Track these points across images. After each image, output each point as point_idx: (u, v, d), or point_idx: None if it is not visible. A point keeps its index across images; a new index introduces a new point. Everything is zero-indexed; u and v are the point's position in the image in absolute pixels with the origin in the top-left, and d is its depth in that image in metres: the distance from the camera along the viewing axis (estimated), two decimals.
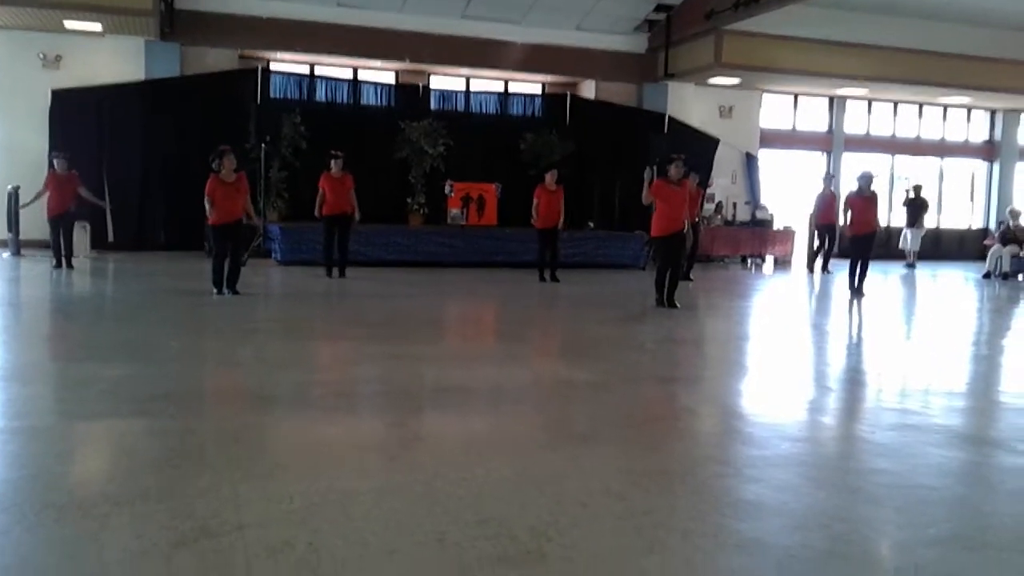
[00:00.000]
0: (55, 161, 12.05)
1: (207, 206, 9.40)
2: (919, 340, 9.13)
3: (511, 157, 15.98)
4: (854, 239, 12.26)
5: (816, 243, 16.11)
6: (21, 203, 12.79)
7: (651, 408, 5.64)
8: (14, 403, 5.09)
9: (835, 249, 15.65)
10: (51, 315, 9.16)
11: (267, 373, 6.13)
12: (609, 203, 16.72)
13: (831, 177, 16.71)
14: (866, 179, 12.46)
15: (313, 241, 13.05)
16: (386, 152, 14.88)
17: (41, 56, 14.61)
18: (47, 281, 11.00)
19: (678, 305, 9.75)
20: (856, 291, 11.98)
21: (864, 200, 12.27)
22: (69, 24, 13.97)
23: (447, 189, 14.83)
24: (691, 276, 12.90)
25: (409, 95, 16.73)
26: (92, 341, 7.34)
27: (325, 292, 10.66)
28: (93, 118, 14.38)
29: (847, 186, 16.21)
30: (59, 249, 11.92)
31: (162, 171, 14.83)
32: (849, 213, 12.31)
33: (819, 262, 15.84)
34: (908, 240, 18.10)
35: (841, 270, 13.45)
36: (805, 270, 16.49)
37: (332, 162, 11.60)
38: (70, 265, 11.90)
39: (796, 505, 3.68)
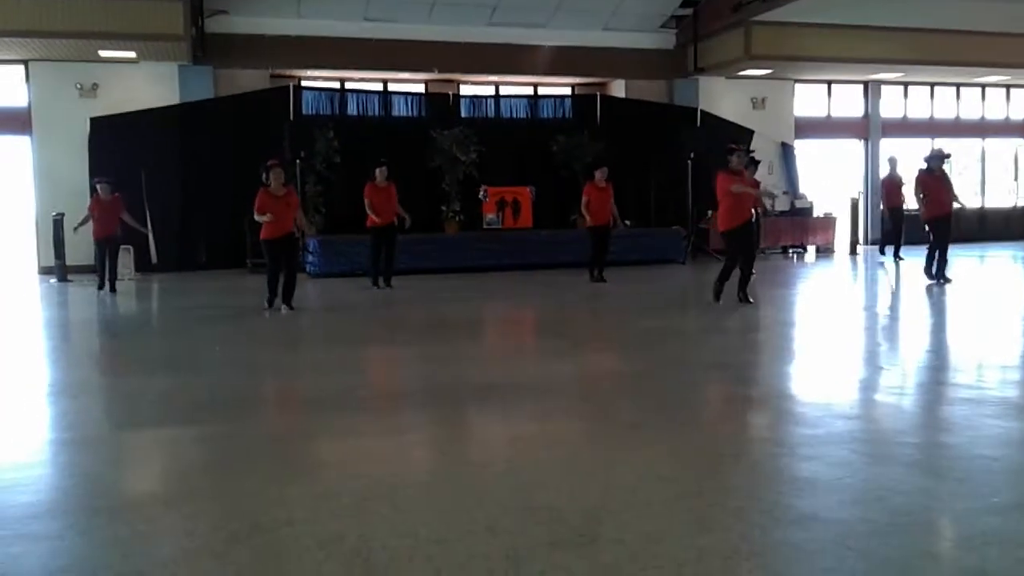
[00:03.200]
0: (98, 186, 12.26)
1: (259, 220, 9.45)
2: (970, 319, 8.92)
3: (543, 160, 15.93)
4: (930, 222, 11.39)
5: (886, 227, 15.72)
6: (69, 228, 13.02)
7: (700, 393, 5.57)
8: (65, 416, 5.17)
9: (903, 234, 15.25)
10: (98, 334, 9.30)
11: (312, 379, 6.16)
12: (645, 200, 16.61)
13: (895, 160, 16.25)
14: (936, 158, 11.59)
15: (351, 253, 13.12)
16: (419, 161, 14.92)
17: (78, 86, 14.89)
18: (93, 303, 11.18)
19: (751, 300, 9.35)
20: (937, 277, 11.21)
21: (935, 180, 11.45)
22: (104, 53, 14.22)
23: (482, 195, 14.84)
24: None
25: (439, 104, 16.77)
26: (139, 356, 7.43)
27: (371, 302, 10.70)
28: (131, 143, 14.60)
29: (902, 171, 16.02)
30: (104, 272, 12.13)
31: (200, 192, 15.02)
32: (922, 195, 11.46)
33: (890, 249, 15.39)
34: None
35: (916, 255, 12.72)
36: (849, 255, 16.22)
37: (376, 171, 11.61)
38: (114, 288, 12.09)
39: (852, 480, 3.60)
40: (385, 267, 11.78)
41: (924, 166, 11.64)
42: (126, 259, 13.28)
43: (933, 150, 12.11)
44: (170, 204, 14.95)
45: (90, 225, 12.28)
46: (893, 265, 14.60)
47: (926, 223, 11.51)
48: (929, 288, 10.87)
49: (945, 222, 11.40)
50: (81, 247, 13.14)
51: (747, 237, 9.54)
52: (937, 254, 11.32)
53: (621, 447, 4.21)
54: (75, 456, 4.27)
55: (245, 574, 2.74)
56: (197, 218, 15.05)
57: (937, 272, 11.28)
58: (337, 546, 2.94)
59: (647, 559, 2.78)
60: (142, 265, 14.23)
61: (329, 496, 3.49)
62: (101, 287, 12.11)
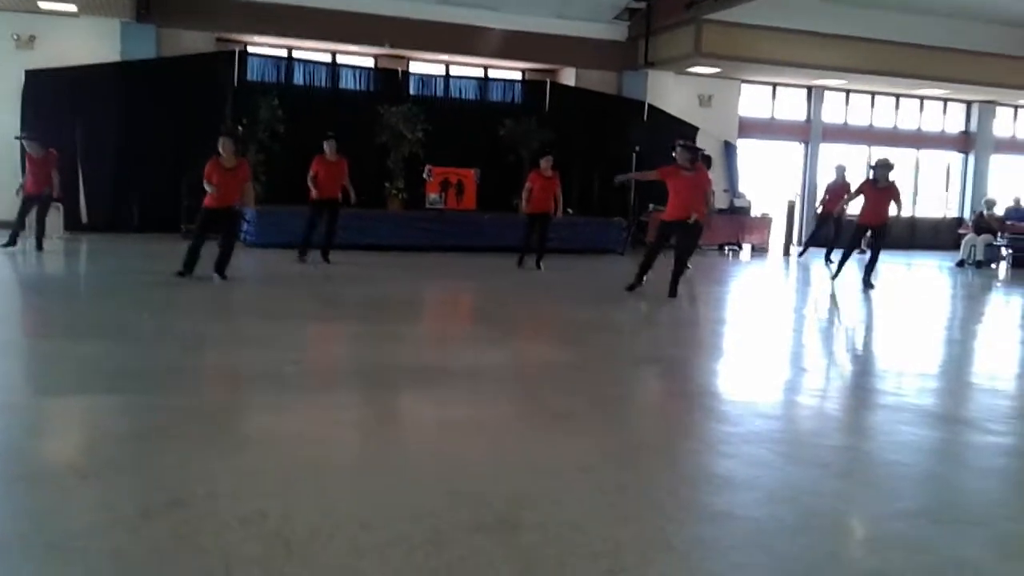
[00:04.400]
0: (26, 143, 11.85)
1: (206, 188, 9.28)
2: (893, 325, 9.20)
3: (490, 143, 15.91)
4: (862, 229, 11.98)
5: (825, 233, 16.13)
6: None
7: (628, 387, 5.66)
8: None
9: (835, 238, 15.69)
10: (20, 295, 9.04)
11: (242, 352, 6.09)
12: (588, 190, 16.71)
13: (843, 168, 16.70)
14: (882, 167, 11.85)
15: (289, 224, 12.93)
16: (365, 136, 14.76)
17: (15, 37, 14.36)
18: (15, 262, 10.86)
19: (677, 295, 9.51)
20: (864, 283, 11.57)
21: (877, 190, 11.78)
22: (43, 4, 13.73)
23: (426, 174, 14.75)
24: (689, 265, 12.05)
25: (388, 80, 16.61)
26: (62, 320, 7.26)
27: (303, 275, 10.59)
28: (67, 99, 14.15)
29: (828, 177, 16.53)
30: (18, 228, 11.68)
31: (137, 153, 14.64)
32: (862, 201, 11.88)
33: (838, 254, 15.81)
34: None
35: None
36: (782, 256, 16.59)
37: (325, 144, 11.44)
38: (40, 247, 11.71)
39: (767, 480, 3.70)
40: (325, 241, 11.67)
41: (870, 174, 12.02)
42: (54, 217, 12.88)
43: (879, 160, 12.39)
44: (104, 163, 14.54)
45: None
46: (826, 269, 14.96)
47: (858, 228, 11.90)
48: (861, 293, 11.20)
49: (877, 231, 11.83)
50: (5, 201, 12.72)
51: (678, 233, 9.61)
52: (868, 260, 11.76)
53: (547, 436, 4.27)
54: None
55: (160, 549, 2.72)
56: (132, 179, 14.68)
57: (864, 278, 11.64)
58: (258, 524, 2.93)
59: (565, 547, 2.83)
60: (71, 224, 13.83)
61: (253, 473, 3.47)
62: (10, 244, 11.63)
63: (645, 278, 9.67)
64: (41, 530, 2.84)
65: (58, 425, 4.31)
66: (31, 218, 11.80)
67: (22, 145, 12.15)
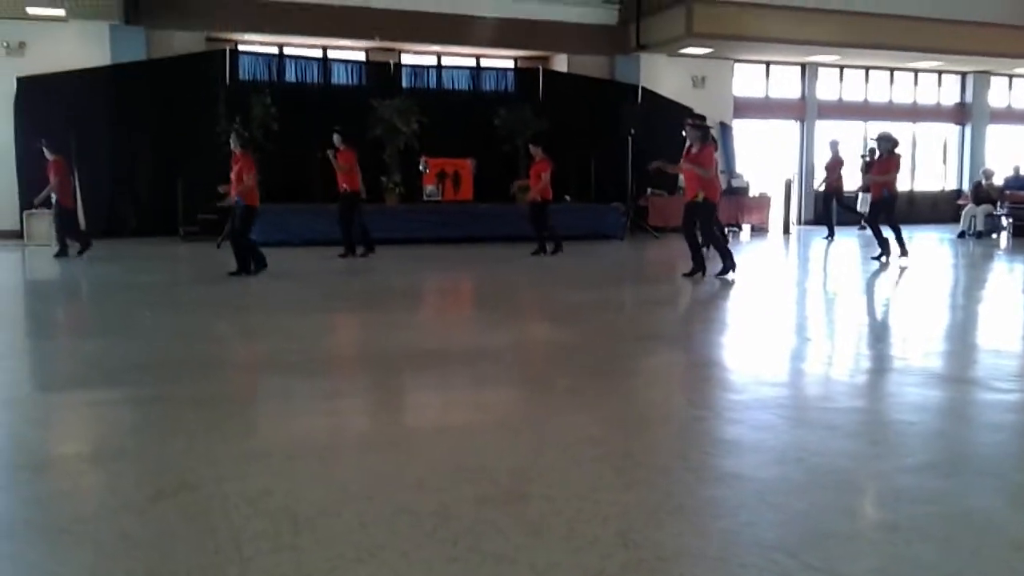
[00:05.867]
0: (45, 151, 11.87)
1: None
2: (898, 295, 9.18)
3: (485, 132, 15.87)
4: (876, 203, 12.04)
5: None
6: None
7: (631, 362, 5.64)
8: None
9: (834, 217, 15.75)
10: (23, 299, 9.03)
11: (246, 343, 6.09)
12: (585, 176, 16.66)
13: (837, 143, 16.71)
14: (885, 140, 11.99)
15: (286, 223, 12.98)
16: (359, 131, 14.73)
17: (5, 44, 14.33)
18: (17, 267, 10.86)
19: (686, 276, 9.53)
20: (880, 255, 11.71)
21: (878, 163, 12.05)
22: (32, 10, 13.68)
23: (422, 166, 14.73)
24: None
25: (380, 73, 16.57)
26: (66, 320, 7.26)
27: (305, 271, 10.57)
28: (60, 105, 14.11)
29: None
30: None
31: (131, 156, 14.63)
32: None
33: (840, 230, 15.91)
34: (867, 203, 18.03)
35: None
36: (782, 235, 16.56)
37: (335, 137, 11.69)
38: (65, 253, 11.69)
39: (775, 442, 3.70)
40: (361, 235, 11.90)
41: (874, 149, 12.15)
42: (50, 224, 12.88)
43: (881, 133, 12.41)
44: (100, 168, 14.53)
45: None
46: (828, 245, 14.94)
47: (884, 202, 11.97)
48: (877, 264, 11.31)
49: (876, 204, 11.92)
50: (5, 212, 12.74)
51: (687, 213, 9.61)
52: (880, 232, 11.79)
53: (552, 411, 4.26)
54: None
55: (170, 530, 2.71)
56: (128, 183, 14.68)
57: (882, 250, 11.69)
58: (265, 502, 2.93)
59: (573, 514, 2.82)
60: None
61: (258, 455, 3.46)
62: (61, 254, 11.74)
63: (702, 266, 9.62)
64: (50, 515, 2.83)
65: (63, 417, 4.30)
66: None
67: (42, 153, 12.09)
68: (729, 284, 9.19)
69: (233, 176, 9.54)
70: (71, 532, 2.70)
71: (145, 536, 2.66)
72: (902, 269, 10.91)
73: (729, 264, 9.54)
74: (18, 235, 13.24)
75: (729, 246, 10.14)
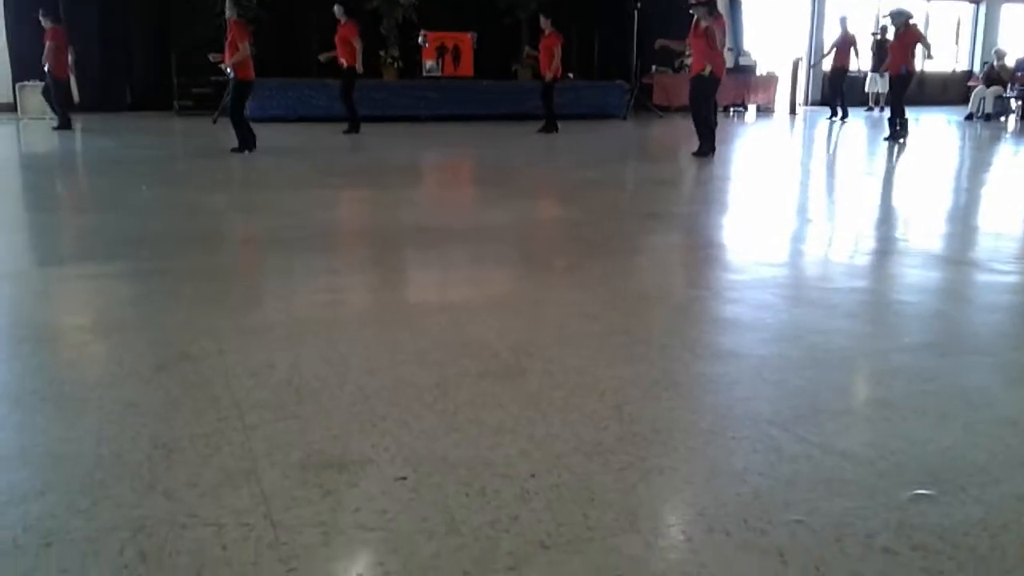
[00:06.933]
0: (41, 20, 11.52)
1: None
2: (900, 177, 9.10)
3: (486, 6, 15.41)
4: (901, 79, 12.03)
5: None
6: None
7: (632, 241, 5.63)
8: None
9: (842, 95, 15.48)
10: (18, 172, 8.94)
11: (245, 219, 6.06)
12: (588, 51, 16.26)
13: (846, 19, 16.20)
14: (898, 15, 11.96)
15: (283, 97, 12.73)
16: (355, 2, 14.30)
17: None
18: (11, 140, 10.72)
19: (695, 155, 9.48)
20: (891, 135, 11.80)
21: (898, 38, 11.98)
22: None
23: (421, 40, 14.36)
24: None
25: None
26: (62, 194, 7.20)
27: (302, 147, 10.44)
28: None
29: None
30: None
31: (124, 28, 14.25)
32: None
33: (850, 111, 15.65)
34: (877, 83, 17.73)
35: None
36: (789, 115, 16.30)
37: (336, 8, 11.45)
38: (68, 126, 11.50)
39: (773, 321, 3.71)
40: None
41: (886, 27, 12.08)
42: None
43: (894, 9, 12.15)
44: (92, 41, 14.16)
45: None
46: (837, 125, 14.72)
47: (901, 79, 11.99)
48: (884, 144, 11.17)
49: (898, 80, 11.95)
50: None
51: (697, 88, 9.54)
52: (903, 111, 11.79)
53: (552, 288, 4.27)
54: None
55: (173, 399, 2.75)
56: (121, 56, 14.34)
57: (889, 129, 11.75)
58: (268, 374, 2.96)
59: (571, 387, 2.86)
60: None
61: (260, 329, 3.48)
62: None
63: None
64: (54, 384, 2.87)
65: (63, 290, 4.31)
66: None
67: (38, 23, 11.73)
68: (710, 161, 9.17)
69: (227, 44, 9.31)
70: (77, 399, 2.73)
71: (149, 404, 2.70)
72: (892, 148, 10.86)
73: (706, 147, 9.45)
74: (12, 108, 13.01)
75: (715, 128, 10.04)
